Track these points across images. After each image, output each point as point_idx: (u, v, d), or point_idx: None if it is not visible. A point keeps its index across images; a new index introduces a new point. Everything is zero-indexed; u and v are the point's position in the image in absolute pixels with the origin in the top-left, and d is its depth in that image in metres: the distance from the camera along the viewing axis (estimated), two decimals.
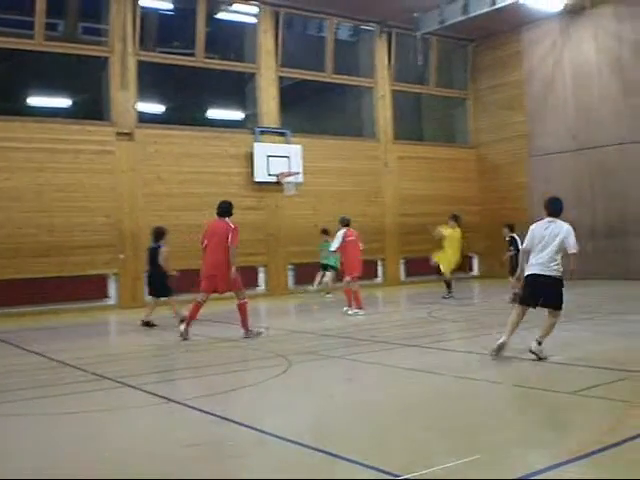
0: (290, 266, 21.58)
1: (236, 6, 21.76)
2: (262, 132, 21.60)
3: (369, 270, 20.15)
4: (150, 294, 14.75)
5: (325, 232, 19.74)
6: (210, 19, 21.16)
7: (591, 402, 6.81)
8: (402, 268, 24.06)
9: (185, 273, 14.53)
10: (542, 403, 6.93)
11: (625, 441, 5.36)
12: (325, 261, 19.54)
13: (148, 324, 14.05)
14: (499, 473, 4.83)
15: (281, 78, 22.45)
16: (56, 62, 19.44)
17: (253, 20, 21.98)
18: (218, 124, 22.04)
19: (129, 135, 19.51)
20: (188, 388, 8.36)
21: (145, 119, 20.26)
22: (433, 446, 5.60)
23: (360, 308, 15.11)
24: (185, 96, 22.87)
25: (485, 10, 20.90)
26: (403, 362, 9.31)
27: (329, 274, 19.56)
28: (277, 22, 22.03)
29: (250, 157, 21.03)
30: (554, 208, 9.45)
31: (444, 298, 17.81)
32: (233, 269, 11.92)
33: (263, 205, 21.28)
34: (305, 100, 24.82)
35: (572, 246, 9.14)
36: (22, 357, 11.05)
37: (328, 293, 19.56)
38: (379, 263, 23.54)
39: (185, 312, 12.86)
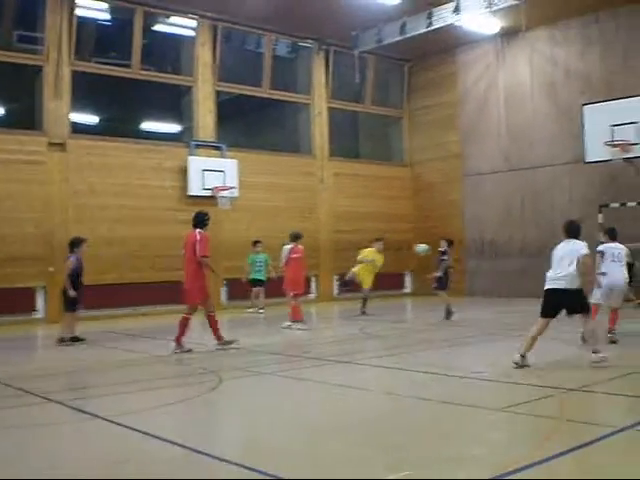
0: (224, 281, 21.37)
1: (174, 19, 21.66)
2: (197, 146, 21.47)
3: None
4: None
5: (257, 244, 19.70)
6: (147, 31, 21.01)
7: (519, 418, 6.91)
8: (335, 284, 24.11)
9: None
10: (471, 420, 6.99)
11: (553, 457, 5.44)
12: (256, 275, 19.51)
13: (75, 339, 13.75)
14: None
15: (218, 92, 22.37)
16: None
17: (191, 33, 21.89)
18: (153, 136, 21.85)
19: (61, 146, 19.18)
20: (116, 404, 8.20)
21: (79, 130, 19.94)
22: (366, 463, 5.58)
23: (300, 322, 15.25)
24: (120, 107, 22.63)
25: (422, 31, 21.15)
26: (334, 378, 9.31)
27: (261, 289, 19.56)
28: (215, 36, 21.99)
29: (185, 171, 20.87)
30: (571, 229, 10.20)
31: (364, 314, 17.97)
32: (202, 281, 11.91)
33: None
34: (242, 115, 24.78)
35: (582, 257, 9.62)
36: None
37: (261, 309, 19.47)
38: (313, 279, 23.53)
39: (69, 333, 13.27)
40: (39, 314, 18.62)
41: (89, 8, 20.44)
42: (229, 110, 22.99)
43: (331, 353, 11.93)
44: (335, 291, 24.19)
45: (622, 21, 21.15)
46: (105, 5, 20.83)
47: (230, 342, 12.16)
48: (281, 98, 24.16)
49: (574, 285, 9.53)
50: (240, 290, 20.41)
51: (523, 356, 9.47)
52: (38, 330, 17.35)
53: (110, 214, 19.49)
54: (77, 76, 19.63)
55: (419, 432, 6.54)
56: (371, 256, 18.36)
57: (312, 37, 24.06)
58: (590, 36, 21.91)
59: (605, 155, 19.20)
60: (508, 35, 23.26)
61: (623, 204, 20.84)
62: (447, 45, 24.40)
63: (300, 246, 15.58)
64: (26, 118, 19.68)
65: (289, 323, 15.29)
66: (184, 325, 11.94)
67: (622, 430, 6.20)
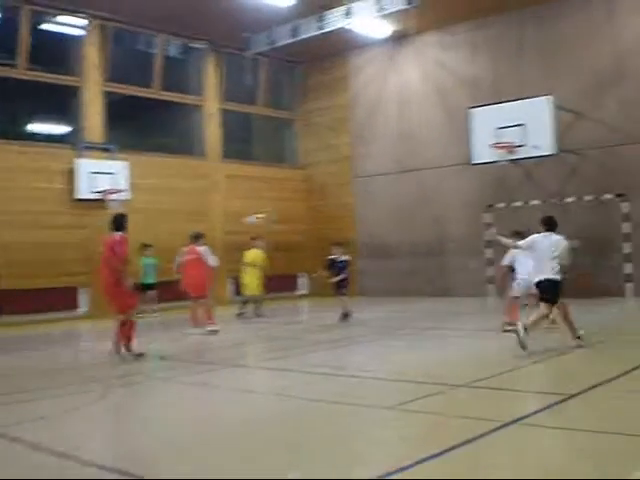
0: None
1: (63, 18, 21.09)
2: (86, 148, 20.96)
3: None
4: None
5: (146, 247, 19.42)
6: (35, 30, 20.38)
7: (408, 416, 7.03)
8: (230, 287, 23.95)
9: None
10: (362, 419, 7.05)
11: (440, 454, 5.56)
12: (146, 280, 19.22)
13: None
14: None
15: (108, 93, 21.92)
16: None
17: (80, 33, 21.36)
18: (40, 138, 21.15)
19: None
20: None
21: None
22: (253, 466, 5.57)
23: (205, 326, 14.85)
24: (4, 108, 21.84)
25: (313, 34, 21.27)
26: (227, 383, 9.27)
27: (153, 293, 19.28)
28: (105, 36, 21.53)
29: (73, 173, 20.35)
30: (551, 223, 11.13)
31: (259, 316, 18.10)
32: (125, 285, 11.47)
33: (85, 223, 20.59)
34: (133, 116, 24.32)
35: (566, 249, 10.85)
36: None
37: (154, 312, 19.19)
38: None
39: None
40: None
41: None
42: (120, 111, 22.52)
43: (225, 357, 11.87)
44: (229, 294, 24.03)
45: (509, 26, 21.79)
46: None
47: (141, 354, 11.56)
48: (173, 99, 23.82)
49: (559, 276, 10.59)
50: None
51: (526, 329, 10.10)
52: None
53: None
54: None
55: (309, 433, 6.57)
56: (260, 259, 18.39)
57: (204, 38, 23.86)
58: (478, 41, 22.49)
59: (491, 157, 19.72)
60: (399, 39, 23.62)
61: (509, 204, 21.53)
62: (339, 48, 24.61)
63: (200, 247, 15.24)
64: None
65: (194, 330, 14.92)
66: (130, 329, 11.52)
67: (507, 425, 6.38)
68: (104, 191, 20.45)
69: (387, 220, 24.39)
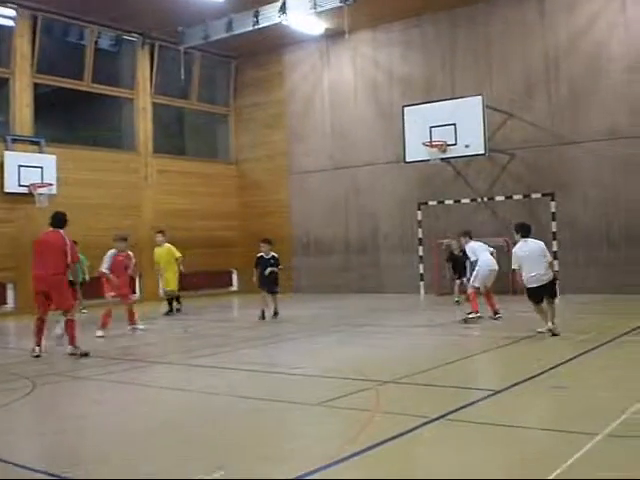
0: None
1: None
2: (14, 140, 20.49)
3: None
4: None
5: (75, 243, 19.01)
6: None
7: (336, 412, 7.02)
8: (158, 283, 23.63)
9: None
10: (289, 416, 7.03)
11: (367, 449, 5.57)
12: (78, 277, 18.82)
13: None
14: None
15: (37, 85, 21.45)
16: None
17: (10, 23, 20.83)
18: None
19: None
20: None
21: None
22: (178, 465, 5.49)
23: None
24: None
25: (248, 29, 21.16)
26: (154, 380, 9.16)
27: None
28: (35, 26, 21.05)
29: (0, 166, 19.88)
30: (527, 229, 12.04)
31: (178, 311, 18.18)
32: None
33: (13, 217, 20.15)
34: (63, 109, 23.87)
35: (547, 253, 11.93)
36: None
37: (83, 309, 18.82)
38: (137, 279, 22.93)
39: None
40: None
41: None
42: (49, 104, 22.09)
43: (154, 354, 11.73)
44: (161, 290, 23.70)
45: (442, 25, 22.04)
46: None
47: (86, 353, 11.27)
48: (104, 92, 23.42)
49: (550, 277, 11.62)
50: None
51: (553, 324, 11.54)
52: None
53: None
54: None
55: (236, 431, 6.51)
56: (170, 255, 18.25)
57: (137, 31, 23.53)
58: (411, 39, 22.68)
59: (424, 155, 19.89)
60: (333, 36, 23.64)
61: (441, 202, 21.77)
62: (274, 44, 24.53)
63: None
64: None
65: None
66: (73, 328, 11.35)
67: (434, 420, 6.42)
68: (32, 185, 20.03)
69: (321, 217, 24.44)
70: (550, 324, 11.52)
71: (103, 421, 7.12)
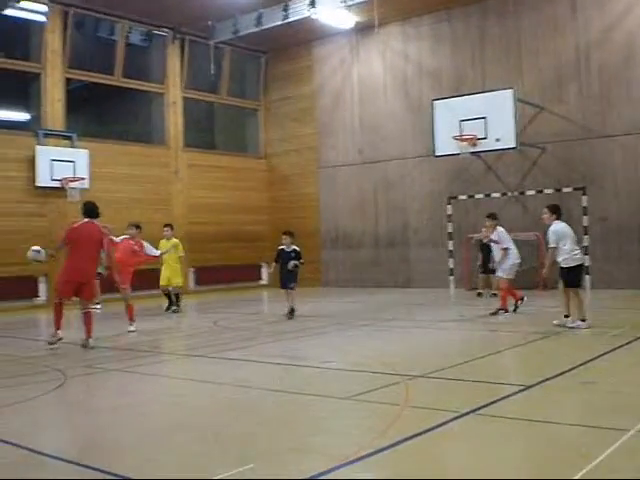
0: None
1: (24, 3, 20.67)
2: (46, 135, 20.70)
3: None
4: None
5: None
6: None
7: (365, 406, 7.01)
8: (191, 277, 23.81)
9: None
10: (318, 409, 7.03)
11: (396, 444, 5.55)
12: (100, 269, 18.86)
13: None
14: None
15: (69, 80, 21.65)
16: None
17: (41, 18, 21.00)
18: None
19: None
20: None
21: None
22: (208, 458, 5.51)
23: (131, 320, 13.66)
24: None
25: (278, 23, 21.22)
26: (185, 373, 9.22)
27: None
28: (66, 22, 21.24)
29: (33, 161, 20.08)
30: (561, 212, 12.25)
31: (174, 312, 17.42)
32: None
33: (45, 211, 20.36)
34: (94, 104, 24.07)
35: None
36: None
37: (97, 303, 18.78)
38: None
39: None
40: None
41: None
42: (81, 98, 22.28)
43: (183, 347, 11.81)
44: (191, 283, 23.86)
45: (472, 19, 21.91)
46: None
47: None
48: (134, 87, 23.60)
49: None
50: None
51: (583, 320, 11.62)
52: None
53: None
54: None
55: (266, 423, 6.53)
56: (181, 253, 17.85)
57: (167, 26, 23.64)
58: (441, 33, 22.57)
59: (454, 149, 19.79)
60: (362, 30, 23.59)
61: (471, 196, 21.65)
62: (303, 38, 24.54)
63: (127, 238, 14.68)
64: None
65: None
66: (90, 322, 11.50)
67: (464, 415, 6.40)
68: (64, 179, 20.22)
69: (350, 211, 24.42)
70: (577, 315, 11.71)
71: (134, 413, 7.16)
